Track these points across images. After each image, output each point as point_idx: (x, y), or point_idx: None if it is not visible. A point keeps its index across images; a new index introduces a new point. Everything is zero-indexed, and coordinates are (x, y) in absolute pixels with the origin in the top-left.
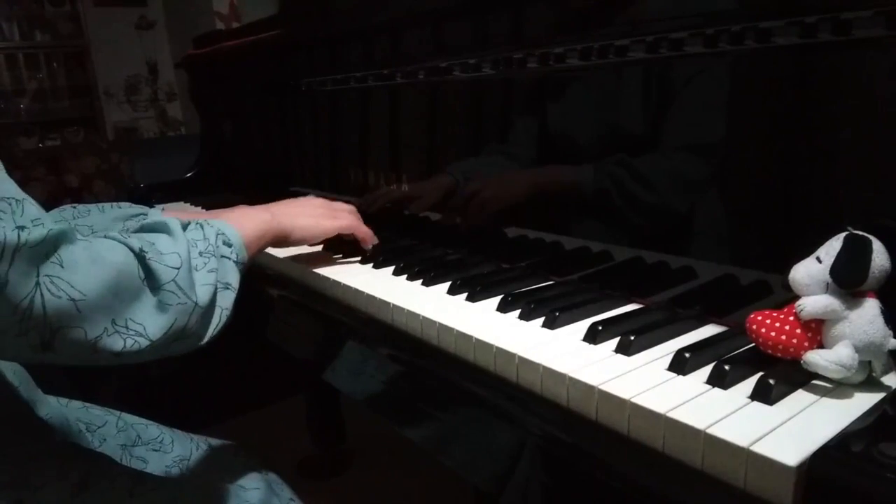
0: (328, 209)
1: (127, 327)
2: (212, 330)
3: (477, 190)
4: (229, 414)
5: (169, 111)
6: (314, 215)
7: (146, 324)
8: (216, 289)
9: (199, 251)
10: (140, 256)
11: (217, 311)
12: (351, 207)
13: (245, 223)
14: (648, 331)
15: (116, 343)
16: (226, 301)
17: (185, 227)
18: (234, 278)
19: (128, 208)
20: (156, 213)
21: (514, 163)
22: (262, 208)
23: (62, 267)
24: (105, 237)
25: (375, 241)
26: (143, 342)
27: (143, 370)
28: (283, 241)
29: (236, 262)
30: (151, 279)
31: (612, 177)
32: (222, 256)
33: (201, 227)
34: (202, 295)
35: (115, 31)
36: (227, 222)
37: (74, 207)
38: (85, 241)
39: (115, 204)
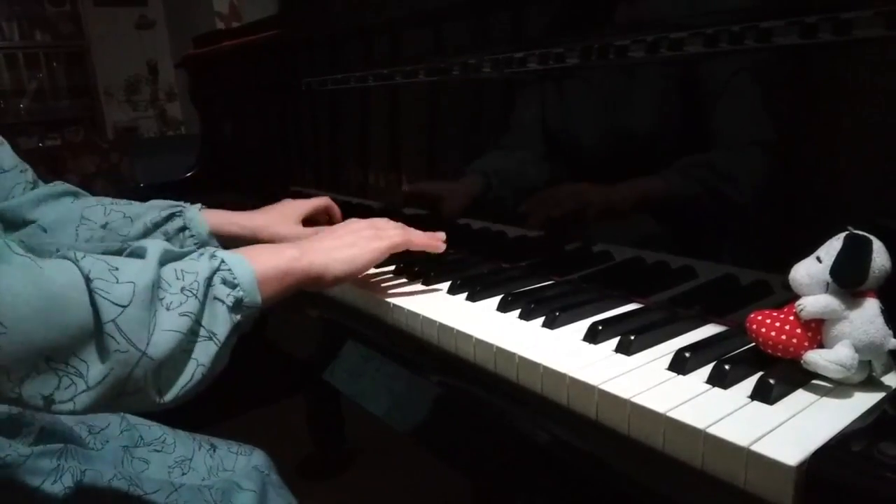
0: (373, 230)
1: (67, 363)
2: (179, 389)
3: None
4: (229, 414)
5: (169, 111)
6: (355, 243)
7: (90, 362)
8: (184, 337)
9: (182, 286)
10: (87, 280)
11: (190, 365)
12: (396, 224)
13: (264, 257)
14: (648, 330)
15: (47, 384)
16: (204, 355)
17: (183, 255)
18: (221, 328)
19: (164, 201)
20: (193, 211)
21: (526, 152)
22: (291, 245)
23: None
24: (63, 256)
25: (441, 246)
26: (81, 385)
27: None
28: (318, 281)
29: (232, 308)
30: (95, 313)
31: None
32: (215, 298)
33: (199, 257)
34: (159, 343)
35: (115, 31)
36: (242, 255)
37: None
38: (27, 258)
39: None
